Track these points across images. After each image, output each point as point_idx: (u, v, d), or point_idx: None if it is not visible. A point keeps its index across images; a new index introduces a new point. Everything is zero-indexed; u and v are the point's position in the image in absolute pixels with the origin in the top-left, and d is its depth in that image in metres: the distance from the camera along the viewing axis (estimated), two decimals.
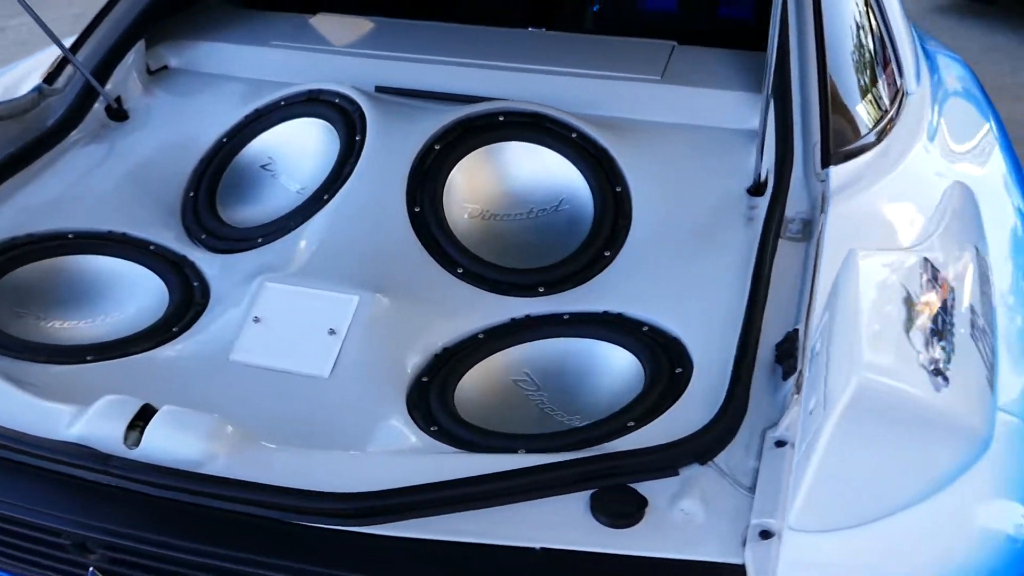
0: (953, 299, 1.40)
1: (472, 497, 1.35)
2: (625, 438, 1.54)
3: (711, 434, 1.43)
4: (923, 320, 1.33)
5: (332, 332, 1.84)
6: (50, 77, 2.46)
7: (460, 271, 2.05)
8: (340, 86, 2.36)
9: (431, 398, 1.76)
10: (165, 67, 2.63)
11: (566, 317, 1.95)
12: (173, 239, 2.19)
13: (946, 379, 1.27)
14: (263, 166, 2.35)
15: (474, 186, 2.21)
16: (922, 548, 1.23)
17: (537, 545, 1.30)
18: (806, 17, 2.11)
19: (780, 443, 1.41)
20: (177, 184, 2.34)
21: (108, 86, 2.46)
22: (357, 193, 2.13)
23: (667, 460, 1.40)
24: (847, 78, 2.13)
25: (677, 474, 1.40)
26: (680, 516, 1.34)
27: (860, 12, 2.34)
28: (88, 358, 1.87)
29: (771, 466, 1.38)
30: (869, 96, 2.14)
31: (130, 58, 2.50)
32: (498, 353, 1.89)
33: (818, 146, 1.97)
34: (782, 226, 1.84)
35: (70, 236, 2.16)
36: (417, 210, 2.11)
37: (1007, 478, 1.34)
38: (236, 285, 2.01)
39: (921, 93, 2.38)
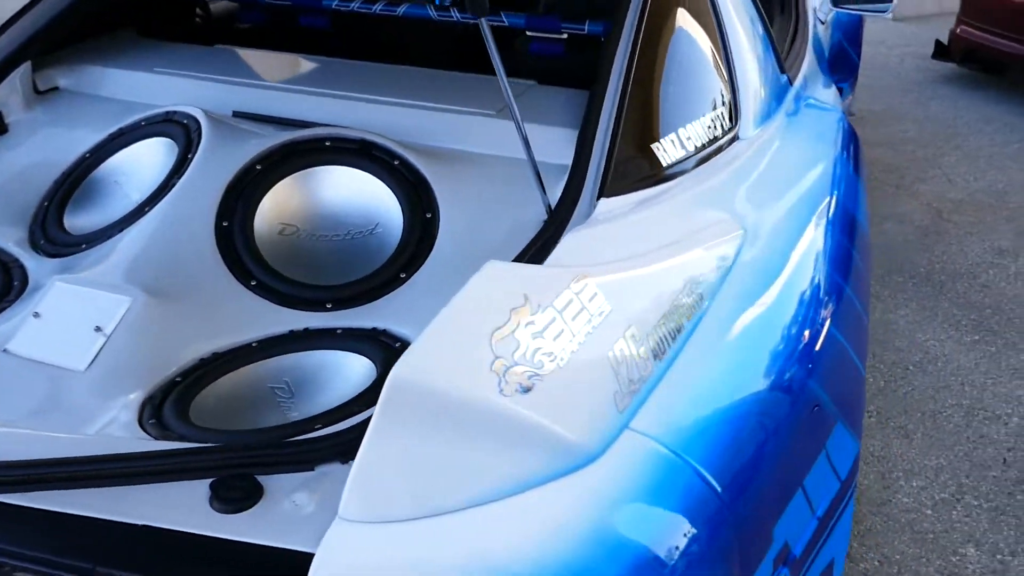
0: (573, 316, 1.41)
1: (83, 476, 1.40)
2: (313, 434, 1.59)
3: (355, 434, 1.46)
4: (521, 330, 1.34)
5: (98, 329, 1.92)
6: None
7: (253, 283, 2.12)
8: (192, 109, 2.47)
9: (172, 395, 1.83)
10: (56, 88, 2.78)
11: (339, 331, 2.01)
12: (13, 243, 2.32)
13: (527, 388, 1.28)
14: (116, 180, 2.47)
15: (293, 206, 2.29)
16: (477, 547, 1.22)
17: (140, 522, 1.34)
18: (628, 58, 2.15)
19: None
20: (39, 195, 2.48)
21: None
22: (174, 206, 2.22)
23: (305, 455, 1.44)
24: (650, 117, 2.15)
25: (312, 469, 1.43)
26: (290, 506, 1.36)
27: (702, 56, 2.37)
28: None
29: None
30: (673, 136, 2.15)
31: (16, 77, 2.66)
32: (267, 360, 1.96)
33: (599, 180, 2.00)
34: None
35: None
36: (225, 224, 2.19)
37: (613, 497, 1.31)
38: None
39: (756, 142, 2.37)
